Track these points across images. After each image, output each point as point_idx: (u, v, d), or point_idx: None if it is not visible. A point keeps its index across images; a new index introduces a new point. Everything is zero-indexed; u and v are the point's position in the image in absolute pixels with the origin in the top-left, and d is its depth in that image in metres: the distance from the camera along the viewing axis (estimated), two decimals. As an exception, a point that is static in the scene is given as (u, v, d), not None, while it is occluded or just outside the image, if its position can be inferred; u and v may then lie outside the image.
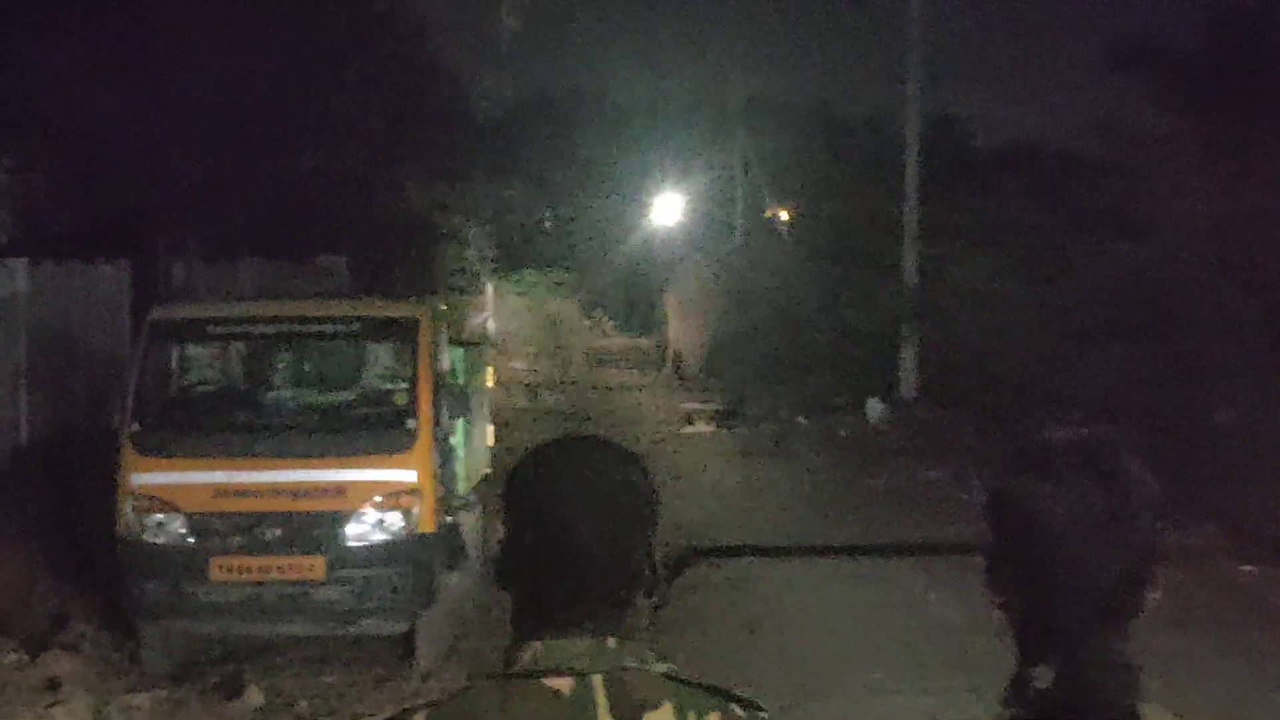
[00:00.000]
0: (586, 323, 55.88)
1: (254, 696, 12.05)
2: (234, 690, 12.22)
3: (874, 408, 29.93)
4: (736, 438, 28.88)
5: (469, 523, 14.20)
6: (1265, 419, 20.82)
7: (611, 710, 2.58)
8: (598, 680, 2.59)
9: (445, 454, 13.31)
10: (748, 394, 32.85)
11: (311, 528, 12.38)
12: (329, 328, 13.85)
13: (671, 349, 42.05)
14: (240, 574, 12.31)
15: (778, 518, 20.59)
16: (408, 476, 12.63)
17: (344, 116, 29.65)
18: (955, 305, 30.84)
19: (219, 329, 13.89)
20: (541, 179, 59.93)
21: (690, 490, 22.40)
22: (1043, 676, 2.44)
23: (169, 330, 13.52)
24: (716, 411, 31.71)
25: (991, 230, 29.84)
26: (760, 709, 2.69)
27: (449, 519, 13.35)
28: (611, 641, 2.63)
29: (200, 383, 14.47)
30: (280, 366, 14.53)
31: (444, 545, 13.11)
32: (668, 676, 2.64)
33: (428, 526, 12.66)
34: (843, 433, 28.69)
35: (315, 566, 12.35)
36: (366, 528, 12.43)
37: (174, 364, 13.96)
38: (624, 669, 2.61)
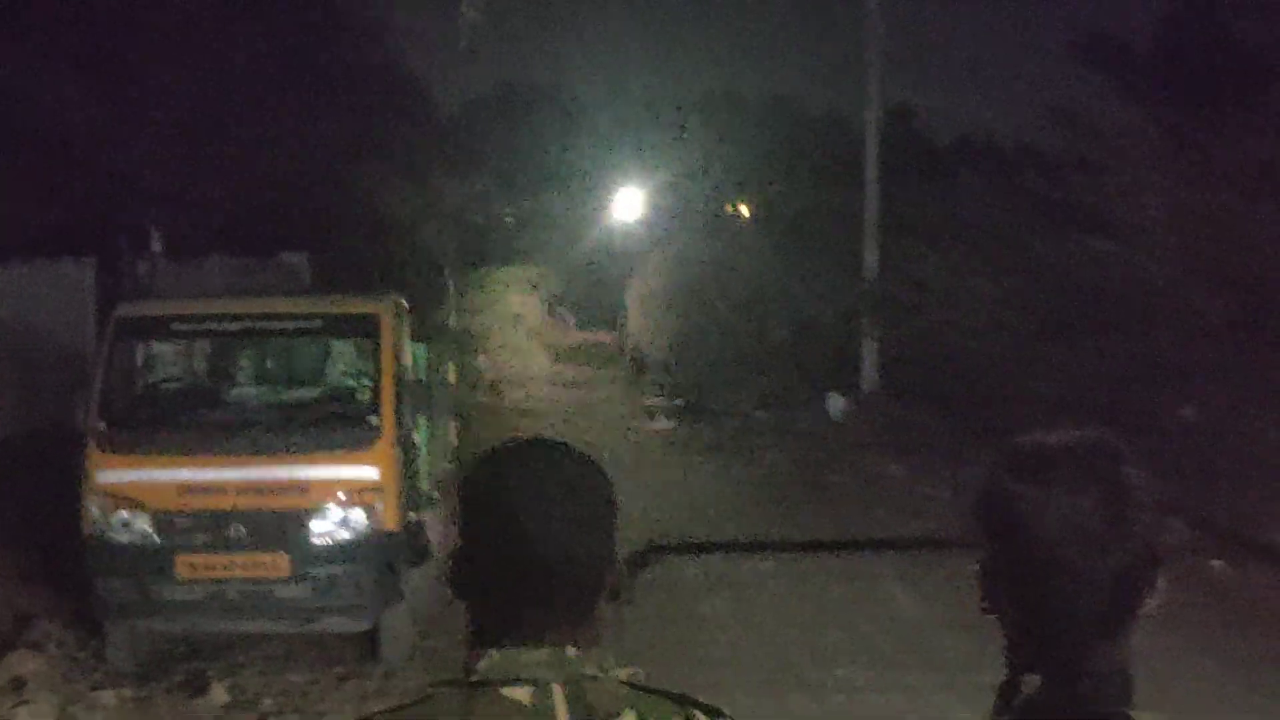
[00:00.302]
0: (548, 319, 55.80)
1: (219, 694, 12.09)
2: (199, 688, 12.25)
3: (835, 402, 29.99)
4: (696, 433, 28.91)
5: (432, 520, 14.25)
6: (1230, 415, 20.92)
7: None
8: (558, 690, 2.55)
9: (408, 451, 13.36)
10: (707, 389, 32.90)
11: (275, 525, 12.41)
12: (292, 324, 13.87)
13: (632, 344, 42.03)
14: (205, 572, 12.35)
15: (740, 514, 20.62)
16: (370, 473, 12.66)
17: (304, 114, 29.57)
18: (916, 299, 30.88)
19: (183, 326, 13.90)
20: (502, 175, 59.76)
21: (651, 487, 22.40)
22: (1030, 684, 2.42)
23: (134, 328, 13.54)
24: (676, 407, 31.72)
25: (951, 224, 29.86)
26: (723, 714, 2.68)
27: (412, 516, 13.39)
28: (571, 650, 2.58)
29: (165, 380, 14.51)
30: (244, 363, 14.59)
31: (407, 543, 13.14)
32: (629, 685, 2.61)
33: (391, 524, 12.69)
34: (803, 427, 28.75)
35: (279, 564, 12.40)
36: (330, 525, 12.47)
37: (139, 361, 14.01)
38: (585, 678, 2.57)
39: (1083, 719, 2.38)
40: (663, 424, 30.28)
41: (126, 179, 25.24)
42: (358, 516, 12.54)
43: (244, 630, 13.14)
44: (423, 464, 14.33)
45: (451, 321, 41.62)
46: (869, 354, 31.78)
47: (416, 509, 13.59)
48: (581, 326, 53.73)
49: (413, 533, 13.36)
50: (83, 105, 22.99)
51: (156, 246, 26.60)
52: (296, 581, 12.42)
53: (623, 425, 29.81)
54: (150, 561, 12.35)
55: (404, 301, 14.54)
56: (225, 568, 12.37)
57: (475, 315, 49.42)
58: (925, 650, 12.79)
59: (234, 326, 13.90)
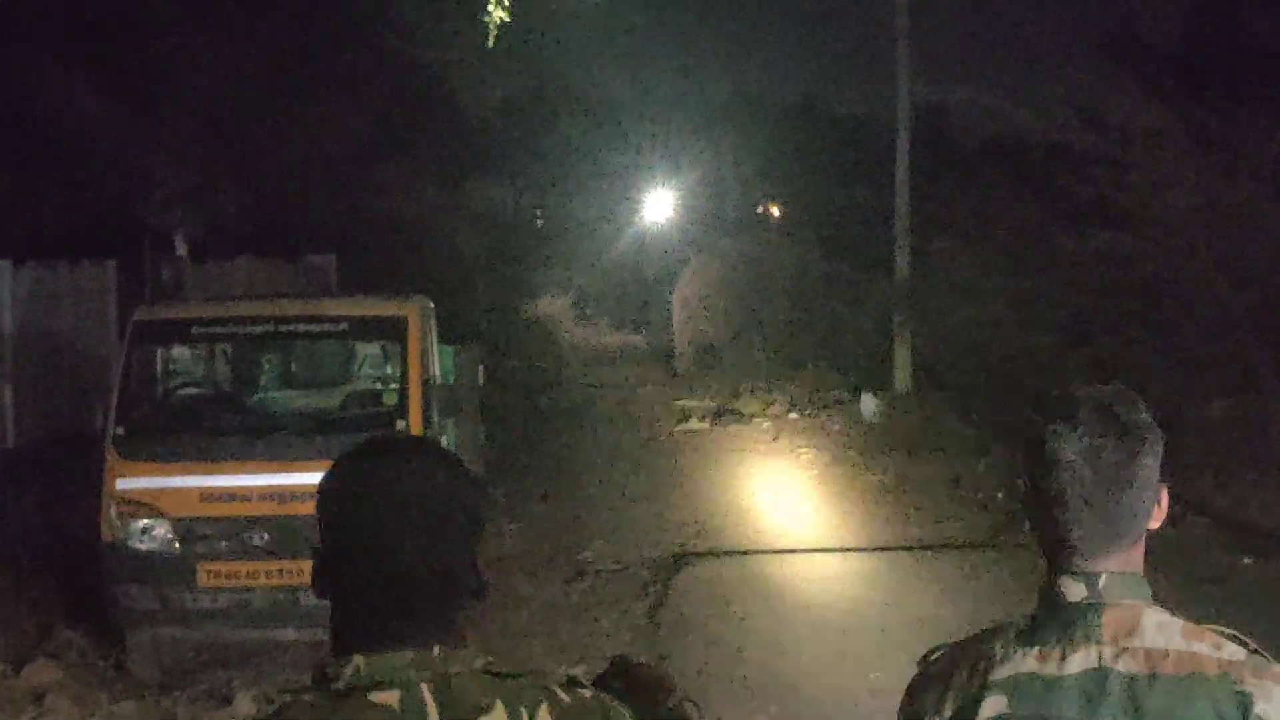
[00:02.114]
0: (579, 320, 55.70)
1: (243, 704, 11.82)
2: (223, 698, 12.02)
3: (868, 402, 29.74)
4: (730, 435, 28.74)
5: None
6: (1255, 411, 20.69)
7: (444, 719, 2.55)
8: (426, 689, 2.56)
9: (436, 455, 13.08)
10: (742, 390, 32.75)
11: (299, 531, 12.09)
12: (316, 327, 13.55)
13: (669, 345, 41.96)
14: (228, 579, 12.09)
15: (773, 516, 20.41)
16: None
17: (330, 116, 29.47)
18: (947, 298, 30.71)
19: (204, 330, 13.61)
20: (532, 176, 59.67)
21: (684, 489, 22.24)
22: (1068, 586, 3.03)
23: (153, 332, 13.27)
24: (710, 408, 31.57)
25: (981, 222, 29.69)
26: (582, 686, 2.73)
27: (439, 522, 13.10)
28: (437, 649, 2.59)
29: (186, 385, 14.20)
30: (267, 367, 14.25)
31: (436, 548, 12.87)
32: (488, 672, 2.63)
33: (418, 530, 12.42)
34: (837, 427, 28.51)
35: (304, 571, 12.07)
36: None
37: (159, 366, 13.73)
38: (451, 675, 2.58)
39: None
40: (696, 425, 30.09)
41: (148, 180, 25.14)
42: None
43: (269, 639, 12.86)
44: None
45: (482, 324, 41.50)
46: (901, 354, 31.54)
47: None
48: (613, 328, 53.61)
49: (441, 538, 13.05)
50: (103, 106, 22.83)
51: (181, 249, 26.44)
52: None
53: (656, 427, 29.62)
54: (171, 569, 12.08)
55: (431, 303, 14.25)
56: (249, 575, 12.10)
57: (505, 318, 49.26)
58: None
59: (256, 330, 13.58)
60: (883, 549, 17.68)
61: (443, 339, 15.06)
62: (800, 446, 26.55)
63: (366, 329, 13.69)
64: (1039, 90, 30.87)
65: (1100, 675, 2.94)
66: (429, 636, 2.60)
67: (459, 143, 41.45)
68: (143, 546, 12.12)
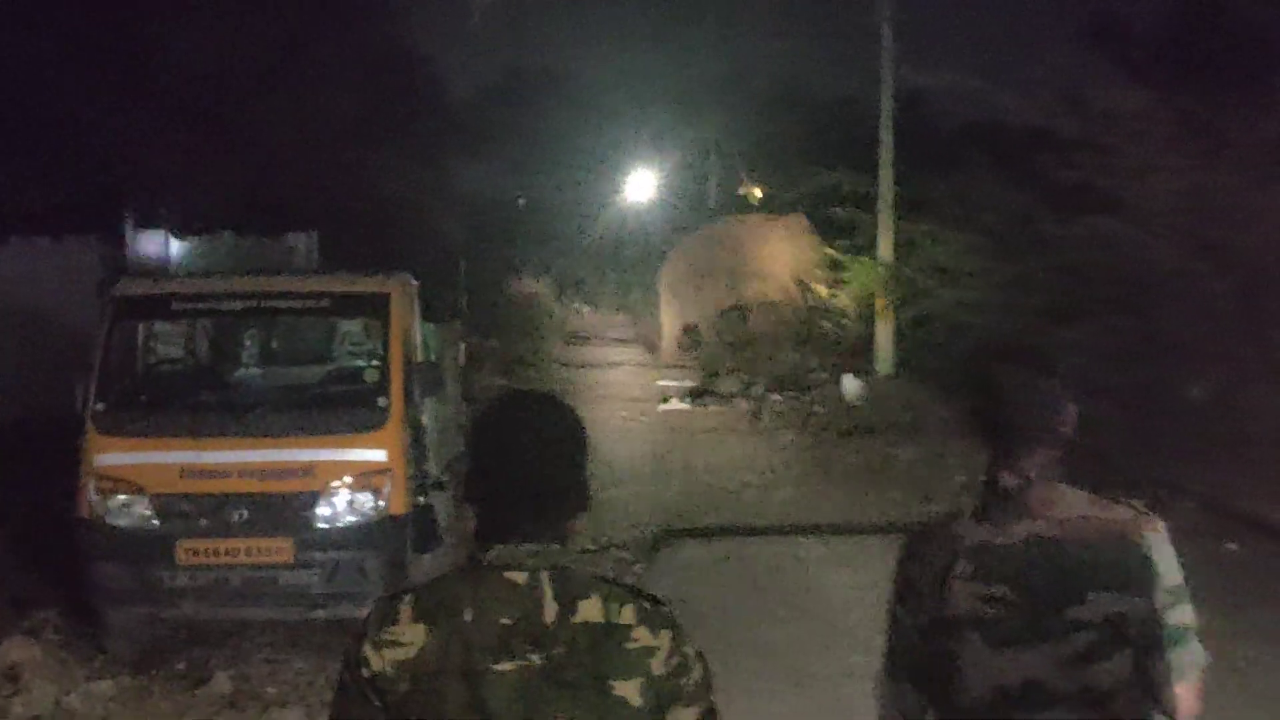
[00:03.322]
0: (560, 301, 55.61)
1: (221, 683, 11.74)
2: (200, 677, 11.92)
3: (850, 384, 29.75)
4: (711, 415, 28.71)
5: (441, 504, 13.84)
6: (1238, 395, 20.67)
7: (555, 598, 3.41)
8: (545, 574, 3.43)
9: (417, 433, 12.93)
10: (722, 371, 32.72)
11: (279, 509, 11.97)
12: (298, 304, 13.37)
13: (652, 326, 41.97)
14: (207, 557, 11.94)
15: (754, 497, 20.36)
16: (378, 456, 12.23)
17: (312, 95, 29.30)
18: (929, 281, 30.70)
19: (185, 305, 13.41)
20: (514, 158, 59.49)
21: (665, 469, 22.21)
22: (1006, 481, 4.15)
23: (133, 307, 13.09)
24: (691, 389, 31.56)
25: (963, 206, 29.69)
26: (662, 603, 3.54)
27: (421, 500, 12.94)
28: (555, 546, 3.47)
29: (166, 360, 14.04)
30: (248, 343, 14.06)
31: (416, 527, 12.72)
32: (595, 576, 3.51)
33: (399, 508, 12.29)
34: (818, 409, 28.49)
35: (283, 549, 11.99)
36: (335, 509, 12.04)
37: (139, 341, 13.59)
38: (564, 567, 3.45)
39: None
40: (677, 406, 30.08)
41: (135, 157, 24.98)
42: (364, 500, 12.13)
43: (247, 618, 12.76)
44: (431, 446, 13.90)
45: (463, 303, 41.39)
46: (884, 337, 31.53)
47: (425, 493, 13.10)
48: (594, 309, 53.50)
49: (421, 517, 12.89)
50: (87, 82, 22.68)
51: (164, 224, 26.28)
52: (300, 567, 11.98)
53: (636, 407, 29.61)
54: (149, 547, 11.92)
55: (414, 280, 14.16)
56: (227, 553, 11.95)
57: (487, 297, 49.17)
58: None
59: (237, 305, 13.39)
60: (864, 531, 17.61)
61: (425, 318, 14.94)
62: (781, 427, 26.54)
63: (348, 305, 13.55)
64: (1023, 74, 30.84)
65: (1033, 540, 4.04)
66: (549, 534, 3.49)
67: (442, 124, 41.29)
68: (121, 523, 11.98)
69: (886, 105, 32.11)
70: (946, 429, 23.66)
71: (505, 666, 3.37)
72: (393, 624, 3.46)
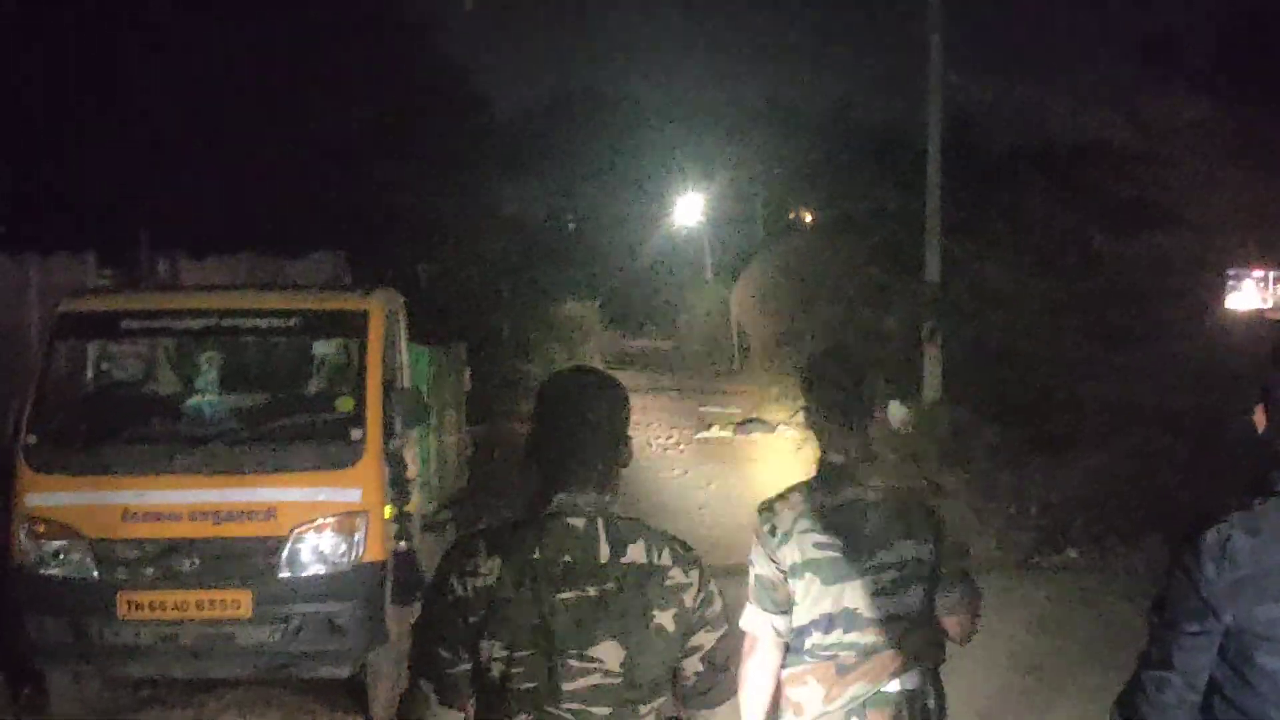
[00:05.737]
0: (606, 324, 54.76)
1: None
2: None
3: (896, 410, 28.57)
4: (753, 444, 27.82)
5: (430, 549, 12.33)
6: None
7: (608, 541, 4.03)
8: (600, 521, 4.06)
9: (397, 469, 11.40)
10: (770, 397, 32.15)
11: (236, 557, 10.47)
12: (264, 322, 11.82)
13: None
14: (151, 612, 10.46)
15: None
16: (351, 496, 10.73)
17: (346, 110, 28.58)
18: (978, 304, 29.69)
19: (136, 323, 11.84)
20: (562, 180, 59.00)
21: (700, 496, 21.70)
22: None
23: (76, 324, 11.55)
24: (733, 415, 30.87)
25: (1012, 226, 28.76)
26: (691, 549, 4.17)
27: (403, 545, 11.40)
28: (608, 495, 4.13)
29: (113, 386, 12.41)
30: (207, 367, 12.29)
31: (396, 576, 11.22)
32: (641, 524, 4.15)
33: (375, 554, 10.81)
34: (865, 436, 27.41)
35: (240, 602, 10.50)
36: (301, 557, 10.58)
37: (84, 364, 12.10)
38: (616, 515, 4.12)
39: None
40: (719, 434, 29.30)
41: (149, 174, 24.10)
42: (335, 546, 10.64)
43: (204, 675, 11.29)
44: (417, 483, 12.43)
45: (505, 328, 40.53)
46: (931, 361, 30.28)
47: (407, 537, 11.50)
48: (640, 332, 52.94)
49: (403, 564, 11.34)
50: (108, 95, 21.81)
51: (175, 244, 25.14)
52: (261, 623, 10.50)
53: (678, 433, 29.23)
54: (87, 599, 10.43)
55: (400, 297, 12.73)
56: (176, 607, 10.44)
57: (531, 320, 48.36)
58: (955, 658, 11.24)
59: (195, 324, 11.86)
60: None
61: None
62: (826, 457, 25.40)
63: (321, 324, 12.04)
64: (1073, 87, 30.08)
65: (859, 503, 5.25)
66: (601, 487, 4.10)
67: (487, 145, 40.54)
68: (55, 573, 10.51)
69: (935, 120, 30.82)
70: (995, 458, 22.76)
71: (566, 595, 3.96)
72: (473, 557, 3.99)
